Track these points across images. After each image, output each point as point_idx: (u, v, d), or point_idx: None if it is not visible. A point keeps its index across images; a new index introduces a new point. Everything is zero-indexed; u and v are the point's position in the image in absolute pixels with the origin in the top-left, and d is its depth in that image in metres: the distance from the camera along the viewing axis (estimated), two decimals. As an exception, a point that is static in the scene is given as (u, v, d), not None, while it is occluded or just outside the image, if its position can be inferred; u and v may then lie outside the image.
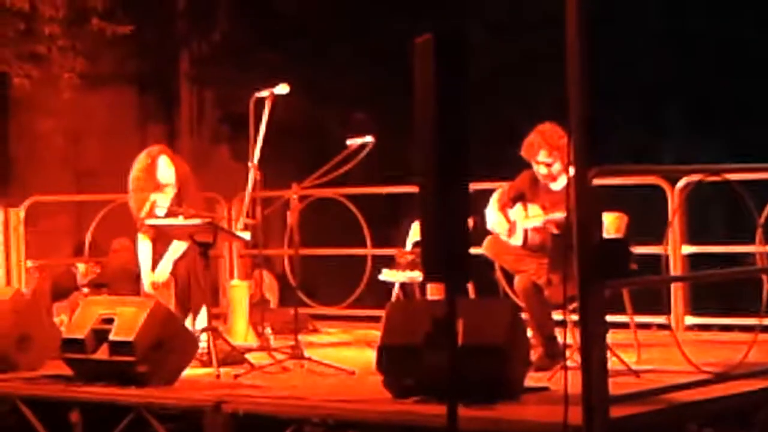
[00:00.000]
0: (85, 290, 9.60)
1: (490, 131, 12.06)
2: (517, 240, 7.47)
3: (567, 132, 5.52)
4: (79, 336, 7.12)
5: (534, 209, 7.43)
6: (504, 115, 13.53)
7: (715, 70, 16.31)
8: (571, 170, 5.34)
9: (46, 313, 8.88)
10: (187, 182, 8.32)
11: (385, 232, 12.48)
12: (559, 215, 7.07)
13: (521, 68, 15.29)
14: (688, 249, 9.10)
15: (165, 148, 8.55)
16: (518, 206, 7.51)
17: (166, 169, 8.26)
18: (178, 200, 8.21)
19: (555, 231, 7.24)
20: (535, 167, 7.44)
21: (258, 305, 8.69)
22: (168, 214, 8.14)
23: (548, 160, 7.37)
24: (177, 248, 8.09)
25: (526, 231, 7.44)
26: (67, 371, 7.23)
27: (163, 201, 8.26)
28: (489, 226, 7.55)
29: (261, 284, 10.02)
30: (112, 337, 7.02)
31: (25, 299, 8.29)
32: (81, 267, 9.97)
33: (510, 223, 7.50)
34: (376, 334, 6.86)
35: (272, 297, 10.33)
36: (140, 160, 8.32)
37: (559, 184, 7.40)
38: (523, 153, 7.46)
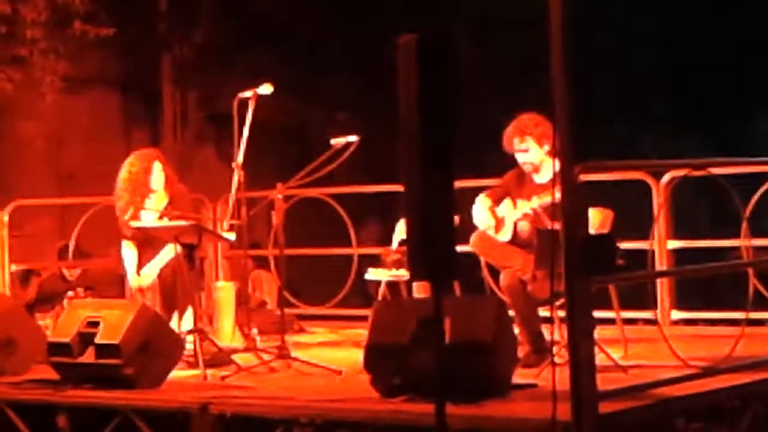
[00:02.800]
0: (70, 293, 9.59)
1: (475, 130, 12.06)
2: (505, 235, 7.47)
3: (551, 122, 5.52)
4: (65, 339, 7.09)
5: (523, 203, 7.43)
6: (489, 113, 13.54)
7: (696, 64, 16.38)
8: (557, 164, 5.34)
9: (31, 317, 8.85)
10: (178, 188, 8.32)
11: (371, 231, 12.49)
12: (549, 198, 7.01)
13: (506, 67, 15.33)
14: (673, 244, 9.11)
15: (159, 153, 8.52)
16: (506, 201, 7.51)
17: (158, 175, 8.24)
18: (171, 206, 8.20)
19: (547, 220, 7.21)
20: (517, 158, 7.46)
21: (251, 306, 8.68)
22: (160, 217, 8.14)
23: (522, 146, 7.39)
24: (166, 253, 8.06)
25: (516, 224, 7.44)
26: (54, 375, 7.20)
27: (149, 204, 8.24)
28: (476, 222, 7.54)
29: (260, 285, 10.02)
30: (98, 340, 6.99)
31: (9, 303, 8.25)
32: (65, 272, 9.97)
33: (498, 218, 7.50)
34: (363, 333, 6.86)
35: (271, 298, 10.32)
36: (133, 163, 8.26)
37: (543, 177, 7.40)
38: (504, 146, 7.48)
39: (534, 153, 7.38)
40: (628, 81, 16.29)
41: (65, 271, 10.08)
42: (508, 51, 15.27)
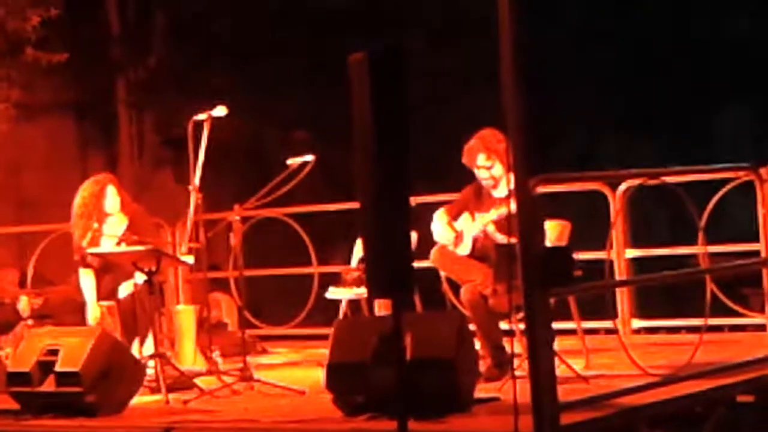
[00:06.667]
0: (30, 322, 9.49)
1: (432, 144, 12.07)
2: (464, 249, 7.47)
3: (506, 138, 5.54)
4: (25, 369, 7.04)
5: (482, 217, 7.44)
6: (445, 127, 13.56)
7: (650, 71, 16.47)
8: (512, 178, 5.35)
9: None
10: (136, 209, 8.30)
11: (330, 250, 12.46)
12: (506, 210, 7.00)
13: (461, 79, 15.36)
14: (632, 253, 9.15)
15: (113, 177, 8.51)
16: (465, 215, 7.52)
17: (112, 199, 8.22)
18: (132, 231, 8.17)
19: (499, 235, 7.22)
20: (477, 173, 7.47)
21: (213, 328, 8.63)
22: (118, 243, 8.10)
23: (487, 163, 7.41)
24: (127, 286, 8.04)
25: (475, 238, 7.45)
26: (14, 405, 7.14)
27: (107, 228, 8.21)
28: (436, 237, 7.55)
29: (219, 307, 9.97)
30: (58, 368, 6.94)
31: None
32: (23, 299, 9.85)
33: (457, 232, 7.50)
34: (325, 352, 6.84)
35: (230, 319, 10.28)
36: (87, 187, 8.27)
37: (501, 192, 7.42)
38: (464, 160, 7.50)
39: (498, 169, 7.41)
40: (587, 85, 16.35)
41: (20, 307, 9.96)
42: (465, 60, 15.29)
